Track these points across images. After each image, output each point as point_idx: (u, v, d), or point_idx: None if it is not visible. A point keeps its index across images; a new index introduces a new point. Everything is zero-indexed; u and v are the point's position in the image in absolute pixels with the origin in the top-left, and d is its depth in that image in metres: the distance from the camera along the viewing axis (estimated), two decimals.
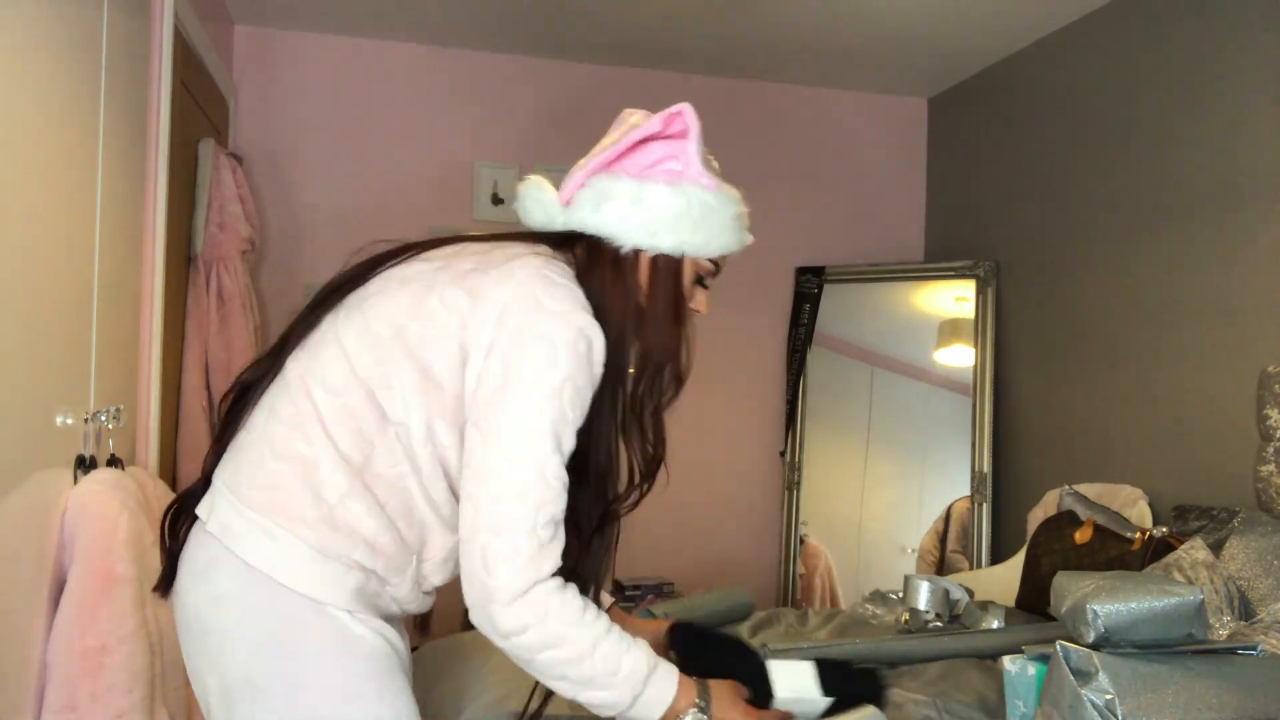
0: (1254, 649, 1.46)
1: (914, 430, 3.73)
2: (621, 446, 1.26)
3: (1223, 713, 1.35)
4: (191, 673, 1.19)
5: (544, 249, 1.23)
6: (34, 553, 1.60)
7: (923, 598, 2.33)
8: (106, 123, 1.98)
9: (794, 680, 1.36)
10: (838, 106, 4.03)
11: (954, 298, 3.68)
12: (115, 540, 1.65)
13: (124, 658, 1.62)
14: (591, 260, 1.23)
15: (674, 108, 1.24)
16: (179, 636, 1.21)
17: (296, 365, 1.19)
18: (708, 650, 1.46)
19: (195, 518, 1.19)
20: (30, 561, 1.59)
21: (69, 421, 1.78)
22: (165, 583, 1.21)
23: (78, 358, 1.87)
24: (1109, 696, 1.34)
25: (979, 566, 3.41)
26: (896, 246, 4.05)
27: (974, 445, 3.50)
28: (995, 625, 2.25)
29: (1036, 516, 2.91)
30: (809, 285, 3.90)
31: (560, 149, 3.74)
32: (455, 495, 1.19)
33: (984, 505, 3.46)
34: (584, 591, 1.23)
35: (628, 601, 3.23)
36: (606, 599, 1.54)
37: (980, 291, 3.58)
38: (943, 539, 3.55)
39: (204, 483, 1.20)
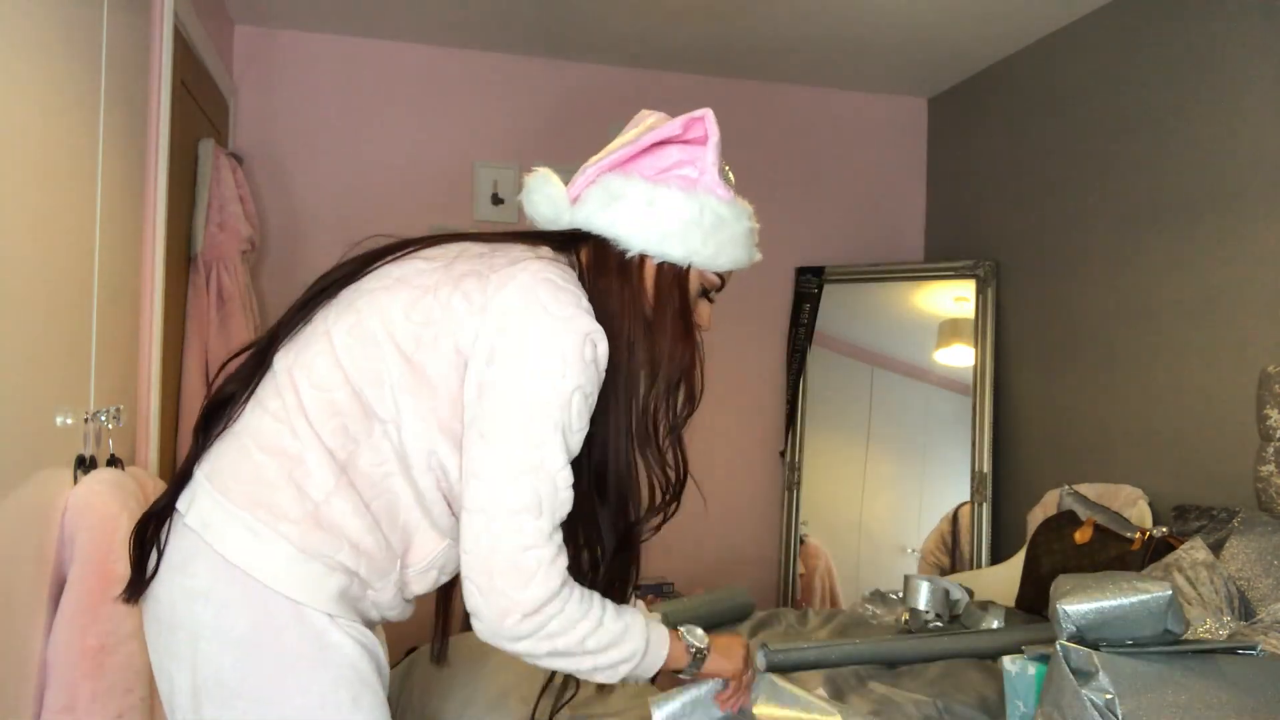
0: (1254, 649, 1.47)
1: (914, 430, 3.73)
2: (640, 465, 1.22)
3: (1223, 713, 1.35)
4: (157, 669, 1.16)
5: (546, 251, 1.20)
6: (34, 553, 1.60)
7: (923, 598, 2.33)
8: (106, 123, 1.98)
9: None
10: (838, 106, 4.03)
11: (954, 298, 3.68)
12: (115, 540, 1.65)
13: (124, 658, 1.62)
14: (597, 262, 1.20)
15: (696, 112, 1.20)
16: (146, 630, 1.17)
17: (285, 358, 1.16)
18: None
19: (173, 513, 1.15)
20: (30, 561, 1.59)
21: (69, 421, 1.78)
22: (133, 586, 1.16)
23: (78, 358, 1.87)
24: (1109, 696, 1.34)
25: (979, 566, 3.41)
26: (896, 246, 4.05)
27: (974, 445, 3.50)
28: (995, 625, 2.25)
29: (1036, 516, 2.91)
30: (809, 285, 3.90)
31: (560, 149, 3.75)
32: (448, 498, 1.17)
33: (984, 505, 3.46)
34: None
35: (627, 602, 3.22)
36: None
37: (980, 291, 3.58)
38: (952, 545, 3.54)
39: (182, 478, 1.17)
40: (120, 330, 2.15)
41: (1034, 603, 2.52)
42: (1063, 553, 2.52)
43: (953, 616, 2.34)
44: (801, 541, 3.80)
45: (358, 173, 3.54)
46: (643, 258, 1.21)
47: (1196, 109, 2.73)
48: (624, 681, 1.24)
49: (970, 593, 2.41)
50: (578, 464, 1.15)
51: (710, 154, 1.21)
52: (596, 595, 1.18)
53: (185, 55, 2.69)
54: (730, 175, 1.27)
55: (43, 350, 1.69)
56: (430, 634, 1.42)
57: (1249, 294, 2.54)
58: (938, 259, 3.94)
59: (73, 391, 1.84)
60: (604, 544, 1.23)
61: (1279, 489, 2.17)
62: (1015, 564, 2.81)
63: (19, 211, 1.57)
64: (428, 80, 3.62)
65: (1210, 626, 1.94)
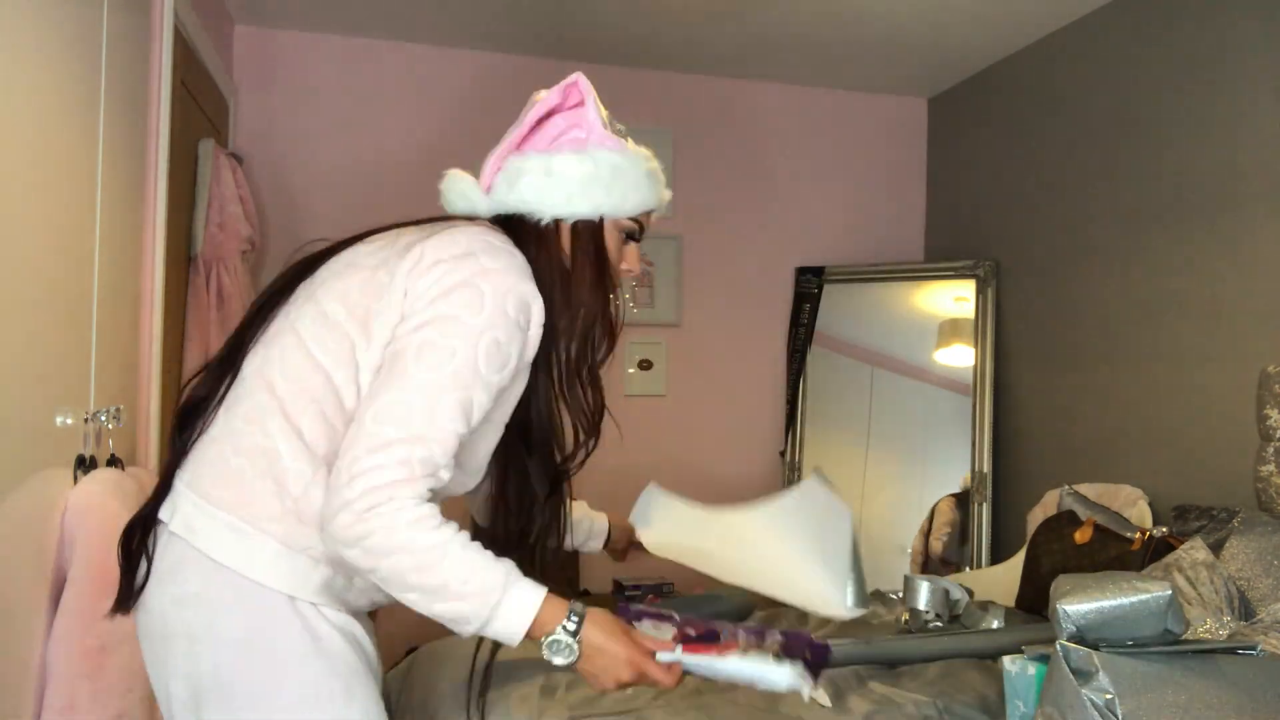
0: (1254, 649, 1.47)
1: (914, 430, 3.73)
2: (564, 411, 1.28)
3: (1223, 712, 1.35)
4: (154, 681, 1.17)
5: (483, 223, 1.27)
6: (34, 553, 1.60)
7: (923, 598, 2.33)
8: (106, 123, 1.98)
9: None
10: (838, 106, 4.02)
11: (954, 298, 3.68)
12: (115, 540, 1.65)
13: (124, 658, 1.62)
14: (517, 238, 1.24)
15: (568, 79, 1.29)
16: (141, 644, 1.19)
17: (253, 361, 1.19)
18: None
19: (156, 524, 1.17)
20: (30, 561, 1.59)
21: (69, 421, 1.77)
22: (123, 599, 1.17)
23: (78, 358, 1.87)
24: (1109, 696, 1.34)
25: (979, 566, 3.41)
26: (896, 246, 4.05)
27: (974, 445, 3.50)
28: (995, 625, 2.25)
29: (1036, 516, 2.91)
30: (809, 285, 3.90)
31: None
32: None
33: (984, 505, 3.46)
34: (542, 555, 1.27)
35: (627, 602, 3.22)
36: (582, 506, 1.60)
37: (980, 291, 3.58)
38: (927, 534, 3.57)
39: (162, 490, 1.19)
40: (120, 330, 2.15)
41: (1034, 603, 2.52)
42: (1063, 553, 2.52)
43: (953, 616, 2.34)
44: None
45: (358, 173, 3.54)
46: (557, 222, 1.27)
47: (1197, 109, 2.73)
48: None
49: (970, 593, 2.41)
50: (506, 417, 1.20)
51: (590, 112, 1.28)
52: (464, 534, 1.10)
53: (185, 55, 2.69)
54: (620, 126, 1.33)
55: (43, 350, 1.69)
56: (442, 629, 1.40)
57: (1249, 294, 2.54)
58: (938, 259, 3.94)
59: (73, 391, 1.84)
60: (535, 491, 1.26)
61: (1279, 489, 2.17)
62: (1015, 564, 2.81)
63: (19, 212, 1.57)
64: (427, 80, 3.62)
65: (1210, 626, 1.94)
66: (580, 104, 1.29)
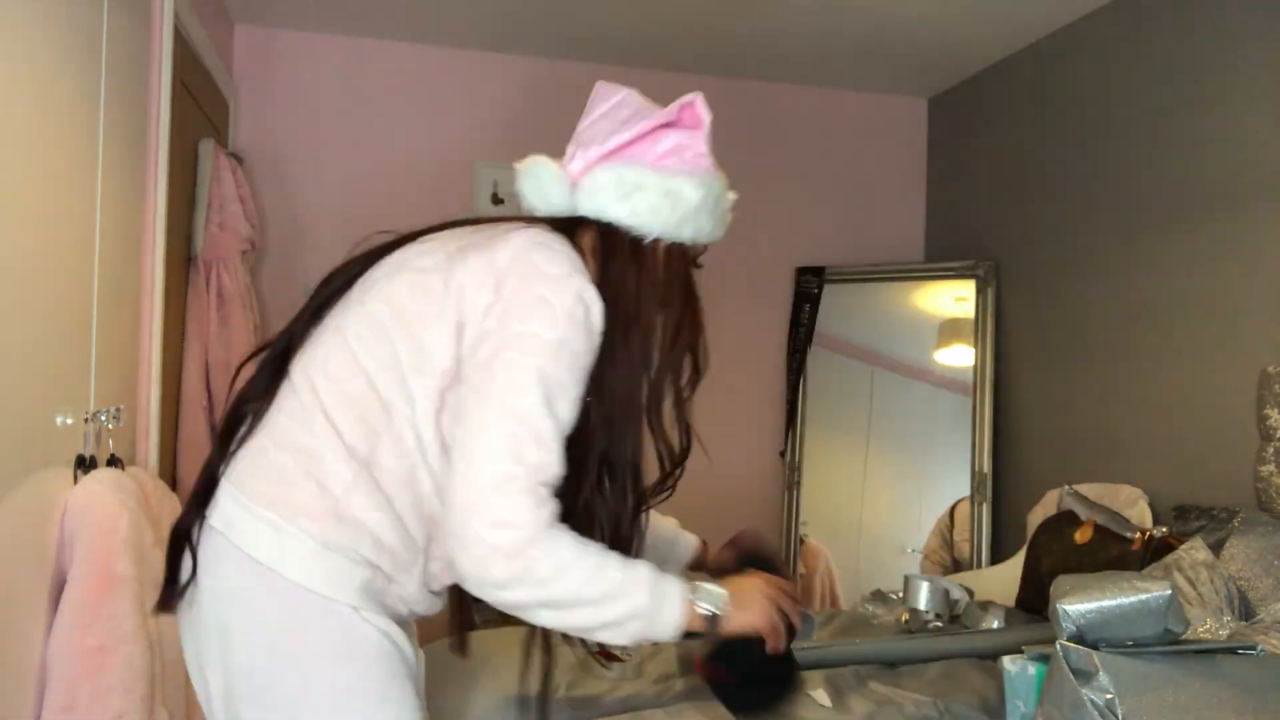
0: (1254, 649, 1.47)
1: (914, 430, 3.73)
2: (648, 439, 1.24)
3: (1223, 713, 1.35)
4: (194, 676, 1.17)
5: (543, 225, 1.23)
6: (34, 553, 1.60)
7: (923, 598, 2.33)
8: (106, 123, 1.98)
9: None
10: (838, 106, 4.02)
11: (954, 298, 3.68)
12: (115, 540, 1.65)
13: (124, 658, 1.62)
14: (608, 248, 1.22)
15: (686, 97, 1.27)
16: (183, 640, 1.19)
17: (300, 360, 1.18)
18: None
19: (202, 520, 1.16)
20: (30, 561, 1.59)
21: (69, 421, 1.78)
22: (166, 598, 1.17)
23: (78, 358, 1.87)
24: (1109, 696, 1.34)
25: (979, 566, 3.41)
26: (896, 246, 4.05)
27: (974, 445, 3.50)
28: (995, 625, 2.25)
29: (1036, 516, 2.91)
30: (809, 285, 3.90)
31: (560, 149, 3.74)
32: None
33: (984, 505, 3.46)
34: None
35: None
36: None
37: (980, 291, 3.58)
38: (951, 542, 3.55)
39: (206, 483, 1.18)
40: (120, 330, 2.15)
41: (1034, 603, 2.52)
42: (1063, 553, 2.52)
43: (953, 616, 2.34)
44: (801, 541, 3.80)
45: (358, 172, 3.54)
46: (655, 241, 1.24)
47: (1197, 109, 2.73)
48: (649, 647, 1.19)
49: (970, 593, 2.41)
50: (586, 444, 1.16)
51: (705, 136, 1.27)
52: (597, 544, 1.13)
53: (185, 55, 2.69)
54: None
55: (43, 350, 1.70)
56: (448, 628, 1.42)
57: (1249, 294, 2.54)
58: (938, 259, 3.94)
59: (73, 391, 1.84)
60: (610, 521, 1.22)
61: (1279, 489, 2.17)
62: (1015, 564, 2.81)
63: (19, 211, 1.57)
64: (428, 80, 3.62)
65: (1210, 626, 1.94)
66: (696, 125, 1.27)
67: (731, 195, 1.30)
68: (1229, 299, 2.60)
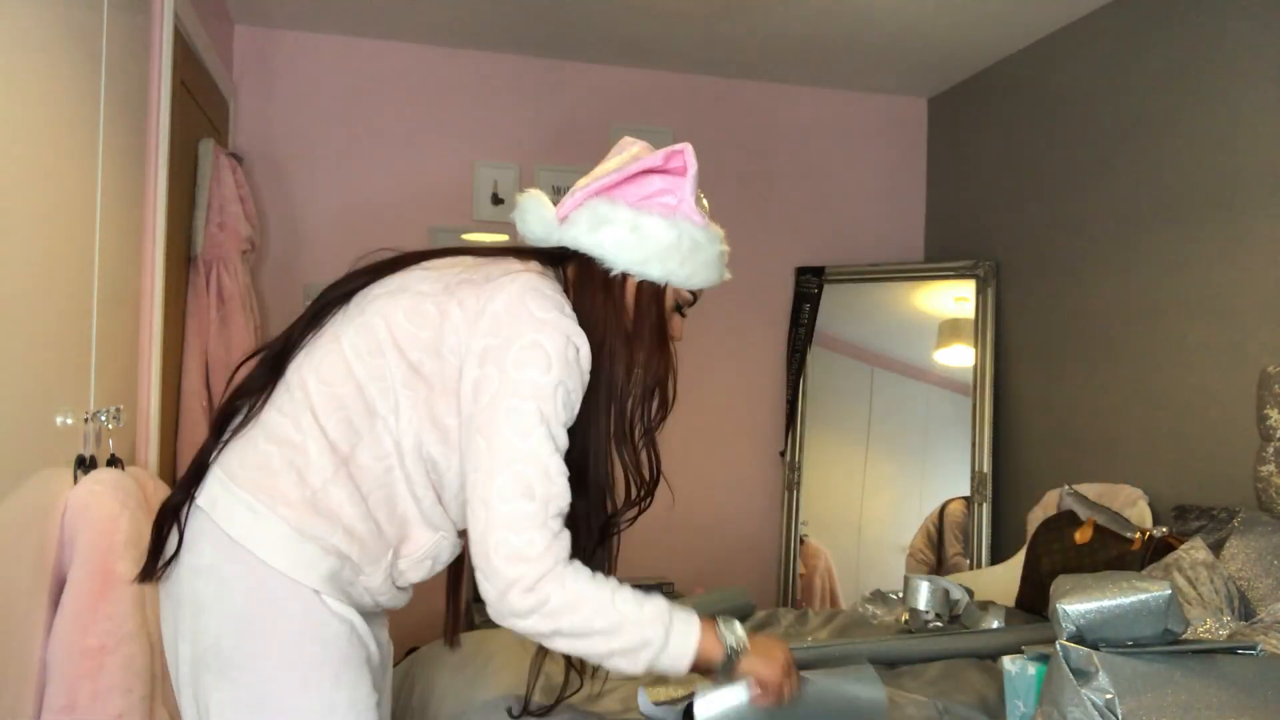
0: (1254, 649, 1.47)
1: (914, 430, 3.73)
2: (617, 464, 1.32)
3: (1223, 713, 1.35)
4: (166, 642, 1.25)
5: (535, 265, 1.31)
6: (34, 553, 1.60)
7: (923, 598, 2.33)
8: (106, 123, 1.98)
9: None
10: (838, 106, 4.03)
11: (954, 298, 3.68)
12: (115, 540, 1.65)
13: (124, 658, 1.62)
14: (582, 278, 1.31)
15: (676, 146, 1.32)
16: (160, 610, 1.26)
17: (296, 361, 1.26)
18: None
19: (190, 502, 1.23)
20: (30, 561, 1.59)
21: (69, 421, 1.78)
22: (147, 569, 1.24)
23: (78, 358, 1.87)
24: (1109, 696, 1.34)
25: (979, 566, 3.41)
26: (896, 246, 4.05)
27: (974, 445, 3.50)
28: (995, 625, 2.25)
29: (1036, 516, 2.91)
30: (809, 285, 3.90)
31: (560, 149, 3.75)
32: (438, 492, 1.26)
33: (984, 505, 3.46)
34: None
35: None
36: None
37: (980, 291, 3.58)
38: (938, 542, 3.55)
39: (198, 467, 1.25)
40: (120, 330, 2.15)
41: (1034, 603, 2.52)
42: (1063, 553, 2.52)
43: (953, 616, 2.34)
44: (801, 541, 3.80)
45: (358, 172, 3.54)
46: (625, 276, 1.31)
47: (1197, 109, 2.73)
48: (665, 678, 1.24)
49: (970, 593, 2.41)
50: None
51: (689, 184, 1.32)
52: (613, 579, 1.23)
53: (185, 55, 2.69)
54: (705, 203, 1.37)
55: (43, 350, 1.70)
56: (441, 629, 1.50)
57: (1249, 294, 2.54)
58: (938, 259, 3.94)
59: (73, 391, 1.84)
60: (584, 538, 1.29)
61: (1279, 489, 2.17)
62: (1015, 564, 2.81)
63: (19, 212, 1.57)
64: (428, 80, 3.62)
65: (1210, 626, 1.94)
66: (680, 172, 1.32)
67: (723, 248, 1.35)
68: (1229, 299, 2.60)
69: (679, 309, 1.38)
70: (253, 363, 1.32)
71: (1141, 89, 2.93)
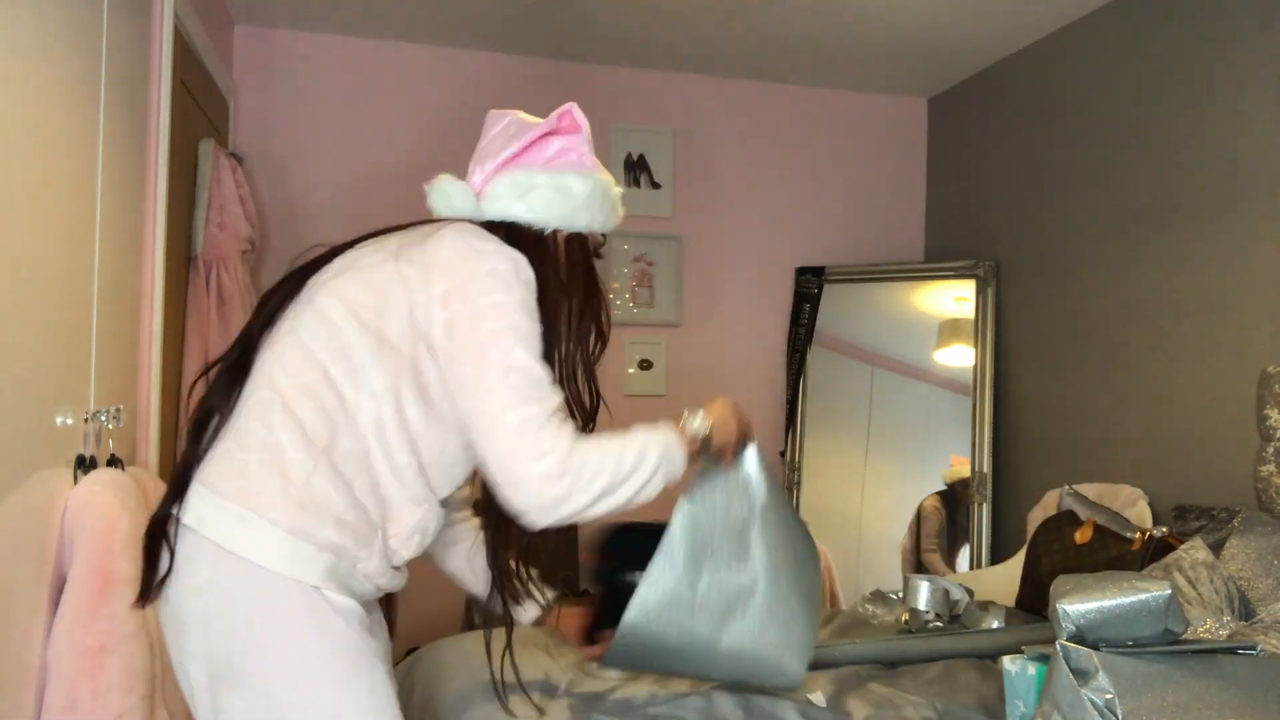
0: (1254, 649, 1.47)
1: (914, 430, 3.73)
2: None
3: (1222, 713, 1.35)
4: (178, 669, 1.24)
5: (461, 221, 1.38)
6: (34, 553, 1.60)
7: (923, 598, 2.33)
8: (106, 123, 1.98)
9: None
10: (838, 106, 4.03)
11: (954, 298, 3.68)
12: (115, 540, 1.65)
13: (124, 658, 1.62)
14: (514, 243, 1.35)
15: (563, 108, 1.42)
16: (165, 636, 1.26)
17: (258, 362, 1.29)
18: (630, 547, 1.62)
19: (174, 519, 1.23)
20: (30, 561, 1.59)
21: (69, 421, 1.78)
22: (143, 592, 1.24)
23: (78, 358, 1.87)
24: (1109, 696, 1.34)
25: (979, 566, 3.41)
26: (896, 246, 4.05)
27: (974, 445, 3.50)
28: (995, 625, 2.25)
29: (1036, 516, 2.91)
30: (809, 285, 3.90)
31: None
32: (420, 461, 1.29)
33: (984, 505, 3.46)
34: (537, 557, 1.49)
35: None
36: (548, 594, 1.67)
37: (980, 291, 3.58)
38: (916, 537, 3.57)
39: (181, 478, 1.25)
40: (120, 330, 2.15)
41: (1034, 603, 2.52)
42: (1063, 553, 2.52)
43: (953, 616, 2.34)
44: None
45: (358, 173, 3.54)
46: (555, 232, 1.40)
47: (1197, 109, 2.73)
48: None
49: (970, 593, 2.41)
50: None
51: (584, 138, 1.43)
52: (601, 434, 1.31)
53: (185, 55, 2.69)
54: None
55: (43, 350, 1.70)
56: (440, 630, 1.55)
57: (1249, 294, 2.54)
58: (938, 259, 3.94)
59: (73, 391, 1.84)
60: None
61: (1279, 489, 2.17)
62: (1015, 564, 2.81)
63: (19, 211, 1.57)
64: (428, 80, 3.62)
65: (1210, 626, 1.94)
66: (575, 130, 1.43)
67: (617, 190, 1.47)
68: (1229, 299, 2.60)
69: (595, 253, 1.48)
70: (214, 372, 1.34)
71: (1141, 89, 2.93)
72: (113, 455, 1.93)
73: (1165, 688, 1.36)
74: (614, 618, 1.49)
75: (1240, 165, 2.58)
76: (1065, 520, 2.62)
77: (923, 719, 1.69)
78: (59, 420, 1.74)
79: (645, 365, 3.76)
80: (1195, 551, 2.11)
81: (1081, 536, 2.51)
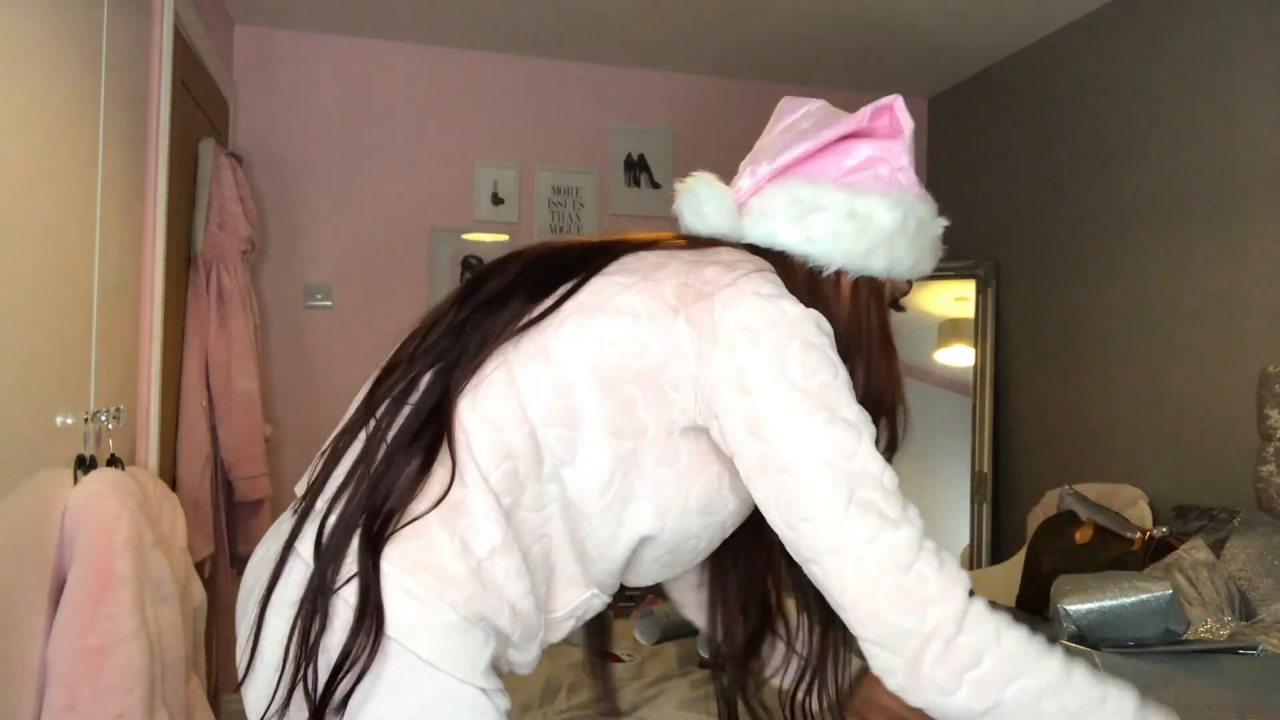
0: (1254, 649, 1.47)
1: (914, 430, 3.71)
2: None
3: (1223, 713, 1.35)
4: None
5: (741, 249, 1.03)
6: (34, 553, 1.60)
7: None
8: (106, 123, 1.98)
9: None
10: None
11: (954, 298, 3.68)
12: (115, 540, 1.65)
13: (124, 658, 1.62)
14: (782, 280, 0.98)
15: (883, 100, 1.08)
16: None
17: (461, 405, 0.95)
18: None
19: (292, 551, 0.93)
20: (30, 561, 1.59)
21: (69, 421, 1.77)
22: (323, 698, 0.87)
23: (78, 358, 1.87)
24: None
25: (979, 566, 3.41)
26: None
27: (974, 445, 3.50)
28: None
29: (1036, 516, 2.91)
30: None
31: (560, 149, 3.75)
32: (628, 543, 0.98)
33: (984, 505, 3.46)
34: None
35: (628, 601, 3.22)
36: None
37: (980, 291, 3.58)
38: None
39: (299, 515, 0.95)
40: (120, 330, 2.15)
41: (1034, 603, 2.52)
42: (1063, 553, 2.52)
43: None
44: None
45: (358, 172, 3.54)
46: (838, 274, 1.03)
47: (1197, 109, 2.73)
48: None
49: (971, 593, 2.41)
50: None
51: (905, 147, 1.07)
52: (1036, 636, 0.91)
53: (185, 55, 2.69)
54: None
55: (43, 350, 1.69)
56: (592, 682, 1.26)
57: (1249, 295, 2.54)
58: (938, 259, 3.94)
59: (73, 391, 1.84)
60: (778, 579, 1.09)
61: (1279, 489, 2.17)
62: (1015, 564, 2.81)
63: (19, 211, 1.57)
64: (428, 80, 3.62)
65: (1211, 626, 1.94)
66: (892, 133, 1.07)
67: (942, 221, 1.11)
68: (1229, 299, 2.60)
69: (894, 303, 1.09)
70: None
71: (1142, 89, 2.93)
72: (113, 455, 1.93)
73: (1165, 688, 1.35)
74: None
75: (1240, 165, 2.58)
76: (1065, 520, 2.62)
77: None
78: (59, 420, 1.74)
79: None
80: (1195, 551, 2.11)
81: (1082, 537, 2.51)
